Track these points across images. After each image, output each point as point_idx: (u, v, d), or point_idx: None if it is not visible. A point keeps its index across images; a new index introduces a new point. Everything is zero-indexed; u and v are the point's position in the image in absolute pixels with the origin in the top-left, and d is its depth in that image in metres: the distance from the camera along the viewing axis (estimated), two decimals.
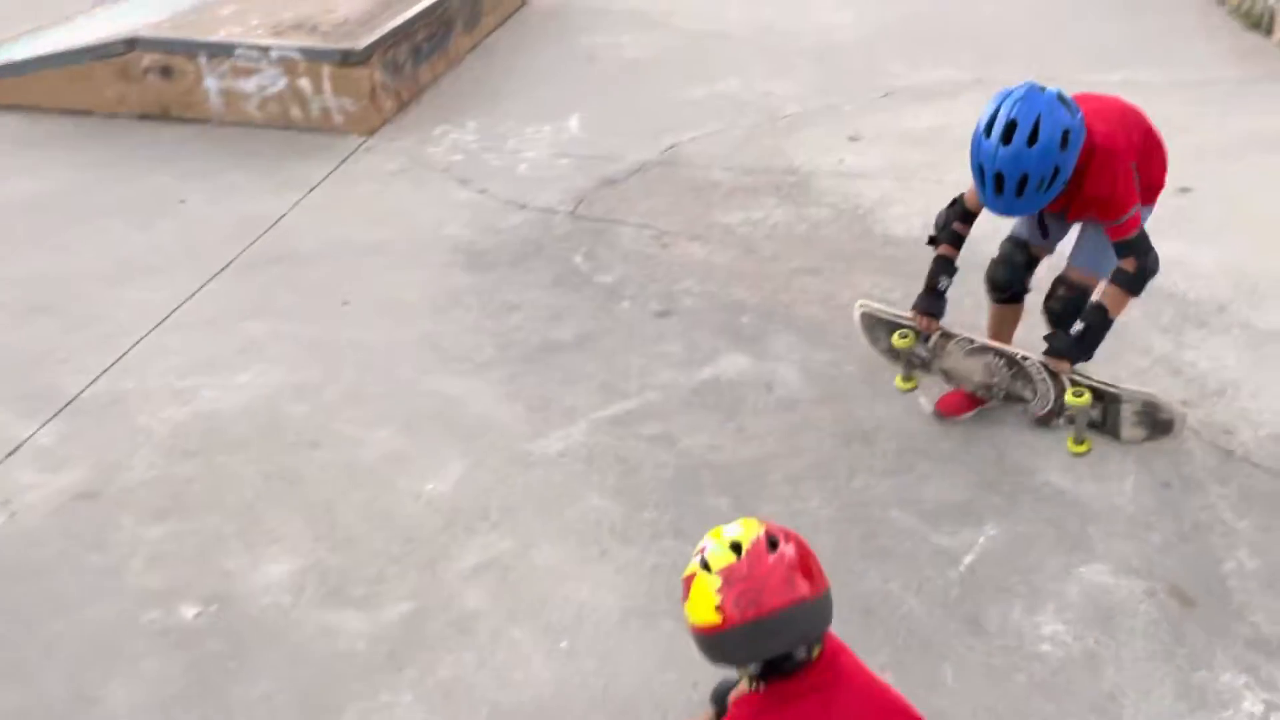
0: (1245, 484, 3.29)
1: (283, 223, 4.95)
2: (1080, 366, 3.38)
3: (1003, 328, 3.66)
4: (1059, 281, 3.41)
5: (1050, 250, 3.55)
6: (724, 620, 1.73)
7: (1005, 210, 3.11)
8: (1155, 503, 3.21)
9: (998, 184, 3.01)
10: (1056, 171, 3.00)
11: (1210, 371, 3.83)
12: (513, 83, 6.81)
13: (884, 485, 3.29)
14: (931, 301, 3.55)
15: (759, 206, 5.10)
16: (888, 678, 2.53)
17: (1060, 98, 3.07)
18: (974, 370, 3.53)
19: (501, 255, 4.67)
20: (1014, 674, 2.66)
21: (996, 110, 3.05)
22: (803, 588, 1.74)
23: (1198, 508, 3.20)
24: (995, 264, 3.55)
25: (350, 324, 4.14)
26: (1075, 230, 3.44)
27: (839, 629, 2.66)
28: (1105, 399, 3.39)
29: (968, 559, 3.02)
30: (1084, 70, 6.85)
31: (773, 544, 1.77)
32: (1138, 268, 3.21)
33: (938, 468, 3.36)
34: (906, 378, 3.70)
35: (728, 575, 1.74)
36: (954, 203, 3.52)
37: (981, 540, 3.08)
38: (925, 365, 3.65)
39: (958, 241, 3.52)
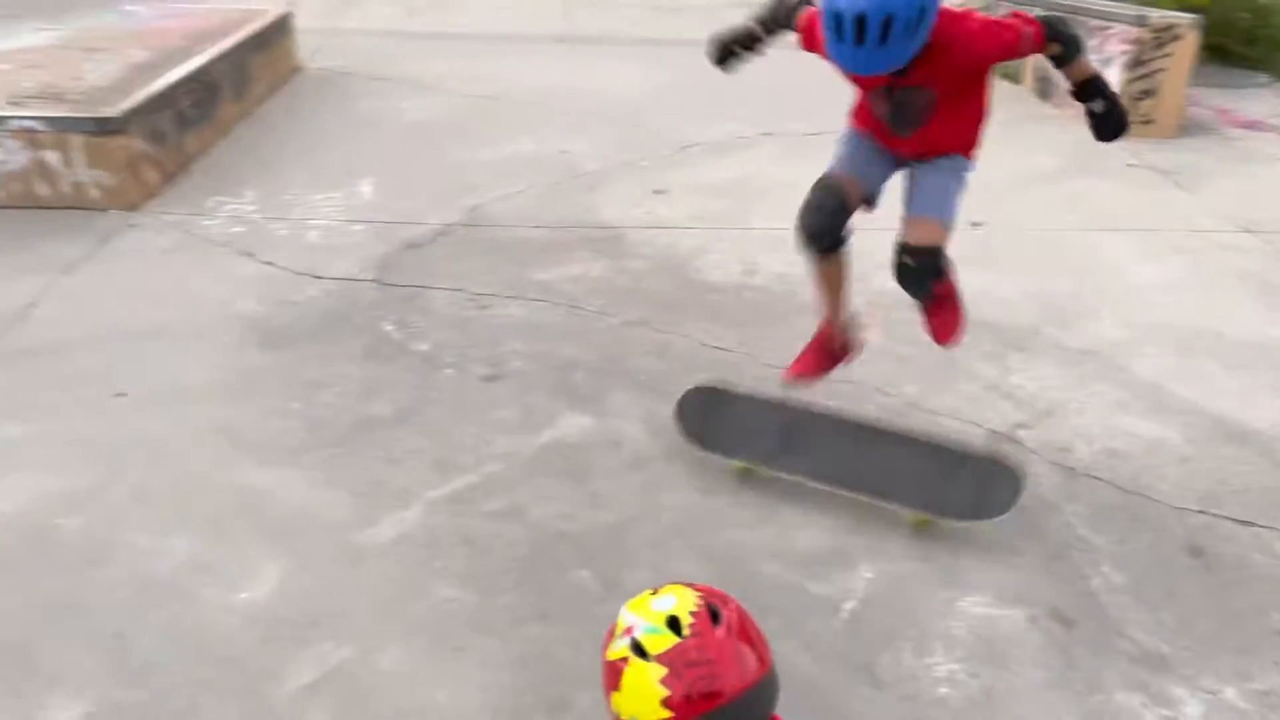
0: (1093, 499, 3.32)
1: (36, 311, 4.30)
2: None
3: (834, 286, 3.27)
4: (901, 248, 3.01)
5: (869, 200, 3.10)
6: (675, 715, 1.46)
7: (866, 65, 2.67)
8: (1015, 526, 3.16)
9: (859, 29, 2.55)
10: (923, 12, 2.60)
11: (1038, 393, 3.90)
12: (292, 150, 6.37)
13: (752, 539, 3.10)
14: (725, 47, 3.32)
15: (575, 262, 4.89)
16: None
17: None
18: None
19: (301, 329, 4.22)
20: None
21: None
22: (755, 663, 1.50)
23: (1056, 528, 3.19)
24: (806, 210, 3.06)
25: (129, 417, 3.59)
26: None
27: None
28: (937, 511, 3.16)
29: (849, 605, 2.86)
30: None
31: (714, 615, 1.52)
32: (1065, 40, 2.81)
33: (801, 515, 3.21)
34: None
35: (672, 661, 1.50)
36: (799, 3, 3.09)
37: (859, 585, 2.94)
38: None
39: (775, 21, 3.18)
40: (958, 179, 3.06)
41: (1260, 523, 3.22)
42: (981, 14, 2.94)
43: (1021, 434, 3.65)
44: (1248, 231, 5.46)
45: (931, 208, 3.02)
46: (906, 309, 3.42)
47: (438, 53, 8.83)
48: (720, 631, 1.53)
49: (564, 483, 3.31)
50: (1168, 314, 4.54)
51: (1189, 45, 6.83)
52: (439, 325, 4.29)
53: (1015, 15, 2.83)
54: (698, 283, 4.72)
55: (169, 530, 3.03)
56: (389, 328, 4.26)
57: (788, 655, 2.59)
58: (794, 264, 4.82)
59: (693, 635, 1.52)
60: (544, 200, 5.66)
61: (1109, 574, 2.99)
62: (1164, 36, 6.79)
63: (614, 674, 1.55)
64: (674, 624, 1.54)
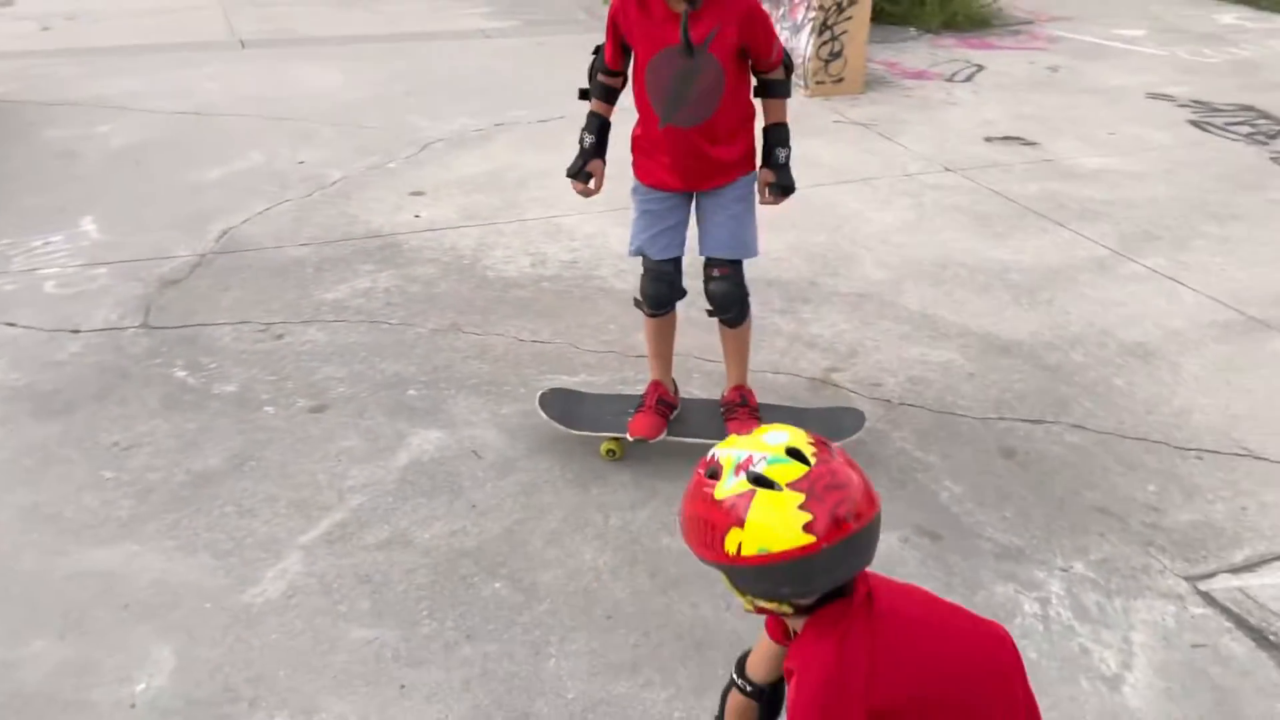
0: (913, 424, 3.71)
1: None
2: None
3: (664, 344, 3.53)
4: (710, 264, 3.32)
5: (680, 250, 3.37)
6: (819, 539, 1.45)
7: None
8: (862, 462, 3.46)
9: None
10: None
11: (836, 338, 4.27)
12: None
13: (641, 517, 3.20)
14: (575, 163, 3.30)
15: (359, 276, 4.72)
16: None
17: None
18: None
19: (79, 392, 3.80)
20: None
21: None
22: (877, 496, 1.56)
23: (893, 454, 3.54)
24: (648, 280, 3.36)
25: None
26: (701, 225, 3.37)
27: (678, 673, 2.56)
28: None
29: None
30: (584, 105, 7.33)
31: (827, 444, 1.54)
32: (789, 73, 3.22)
33: (675, 487, 3.33)
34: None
35: (810, 487, 1.46)
36: (596, 51, 3.29)
37: None
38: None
39: (609, 95, 3.30)
40: (749, 205, 3.30)
41: (1047, 419, 3.74)
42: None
43: (836, 376, 3.99)
44: (948, 170, 6.19)
45: (726, 247, 3.29)
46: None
47: (110, 70, 8.04)
48: (840, 458, 1.52)
49: (439, 500, 3.25)
50: (912, 252, 5.08)
51: (865, 8, 7.58)
52: (237, 362, 4.01)
53: (780, 46, 3.22)
54: (493, 280, 4.71)
55: (21, 637, 2.68)
56: (181, 374, 3.93)
57: (710, 619, 2.78)
58: (577, 250, 4.97)
59: (820, 462, 1.49)
60: (300, 216, 5.38)
61: (950, 486, 3.37)
62: (844, 1, 7.47)
63: (731, 512, 1.48)
64: (796, 454, 1.50)
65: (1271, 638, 2.73)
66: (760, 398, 3.65)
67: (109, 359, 4.02)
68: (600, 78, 3.27)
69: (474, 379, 3.90)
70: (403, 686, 2.57)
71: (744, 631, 2.74)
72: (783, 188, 3.26)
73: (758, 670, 1.91)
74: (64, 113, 6.96)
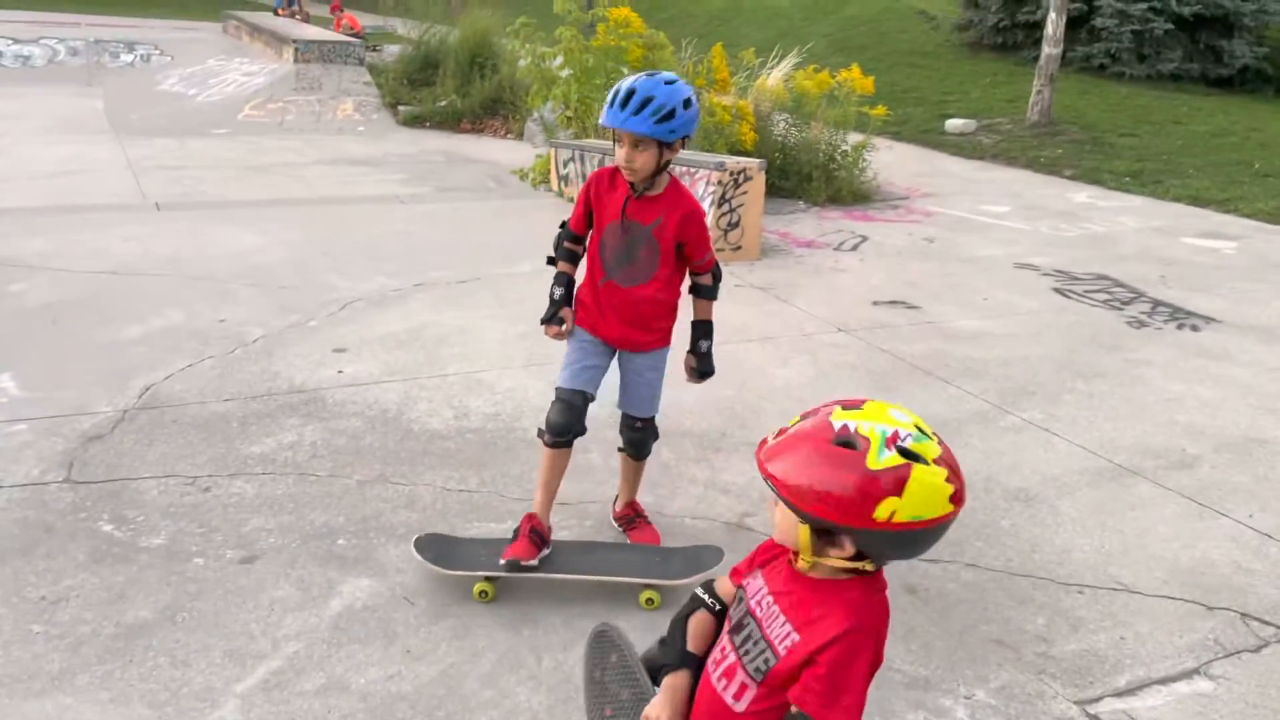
0: None
1: None
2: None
3: (554, 476, 3.76)
4: (630, 419, 3.87)
5: (594, 393, 3.75)
6: (955, 510, 1.69)
7: (622, 122, 3.34)
8: None
9: (626, 97, 3.32)
10: (674, 114, 3.33)
11: (748, 485, 4.54)
12: None
13: (572, 657, 3.32)
14: (550, 310, 3.75)
15: (285, 430, 4.83)
16: None
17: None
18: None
19: (3, 547, 3.79)
20: None
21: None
22: None
23: None
24: (557, 409, 3.67)
25: None
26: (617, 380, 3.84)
27: None
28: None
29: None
30: (499, 265, 7.75)
31: None
32: (716, 280, 3.78)
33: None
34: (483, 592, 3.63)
35: (948, 463, 1.69)
36: (563, 226, 3.80)
37: None
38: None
39: (574, 258, 3.79)
40: (661, 373, 3.87)
41: (944, 559, 4.03)
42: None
43: (750, 521, 4.24)
44: (841, 330, 6.68)
45: (646, 408, 3.88)
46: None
47: (19, 230, 8.10)
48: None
49: (373, 646, 3.33)
50: (804, 405, 5.39)
51: (759, 183, 8.23)
52: (164, 515, 4.06)
53: (713, 254, 3.79)
54: (418, 433, 4.88)
55: None
56: (107, 527, 3.96)
57: None
58: (499, 402, 5.20)
59: (941, 441, 1.71)
60: (223, 372, 5.49)
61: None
62: (740, 177, 8.11)
63: (889, 481, 1.64)
64: (923, 434, 1.70)
65: None
66: (676, 541, 3.91)
67: (33, 514, 4.02)
68: (566, 244, 3.78)
69: (403, 528, 4.02)
70: None
71: None
72: (702, 373, 3.85)
73: (727, 594, 2.10)
74: None
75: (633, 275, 3.66)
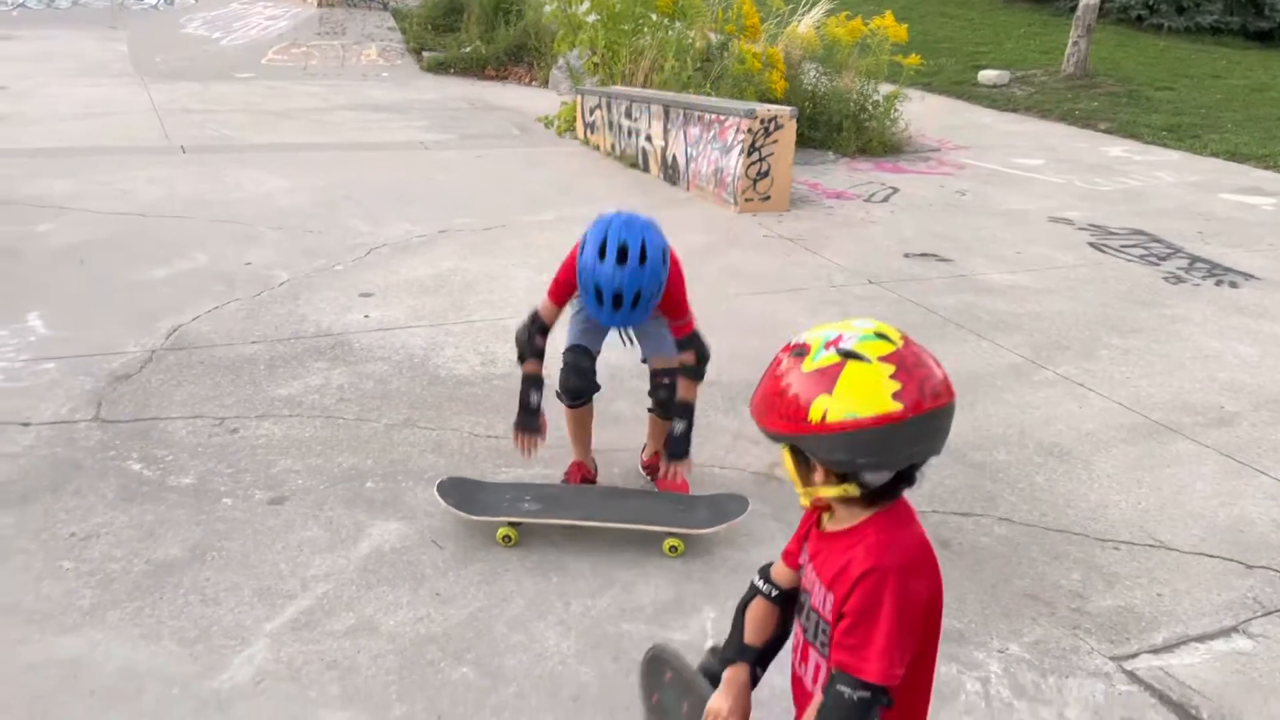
0: None
1: None
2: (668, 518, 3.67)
3: (584, 431, 3.93)
4: (657, 374, 3.82)
5: (599, 350, 3.82)
6: (906, 409, 1.53)
7: (622, 322, 3.44)
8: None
9: (616, 301, 3.32)
10: (660, 285, 3.40)
11: None
12: None
13: (601, 604, 3.31)
14: (528, 419, 3.70)
15: (312, 374, 4.81)
16: None
17: (650, 222, 3.46)
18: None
19: (32, 483, 3.80)
20: None
21: (605, 237, 3.32)
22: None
23: None
24: (567, 373, 3.76)
25: None
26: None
27: None
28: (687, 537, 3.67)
29: (709, 644, 3.15)
30: (525, 213, 7.67)
31: (910, 340, 1.65)
32: (699, 358, 3.69)
33: (633, 573, 3.47)
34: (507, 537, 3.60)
35: (900, 362, 1.55)
36: (533, 319, 3.65)
37: (709, 625, 3.25)
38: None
39: (541, 355, 3.69)
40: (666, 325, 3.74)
41: (976, 512, 3.98)
42: (683, 285, 3.62)
43: (779, 471, 4.19)
44: (871, 283, 6.58)
45: (669, 348, 3.76)
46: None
47: (47, 171, 8.09)
48: (925, 351, 1.62)
49: (402, 589, 3.32)
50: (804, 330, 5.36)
51: (790, 132, 8.08)
52: (193, 455, 4.05)
53: (691, 320, 3.65)
54: (445, 379, 4.84)
55: None
56: (136, 466, 3.95)
57: None
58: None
59: (906, 344, 1.58)
60: (250, 315, 5.47)
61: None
62: (771, 125, 7.97)
63: (821, 379, 1.55)
64: (884, 337, 1.58)
65: (1191, 711, 2.95)
66: (706, 490, 3.86)
67: (62, 451, 4.02)
68: (536, 339, 3.64)
69: (431, 472, 4.00)
70: None
71: None
72: (672, 454, 3.76)
73: (783, 578, 1.99)
74: (1, 212, 6.96)
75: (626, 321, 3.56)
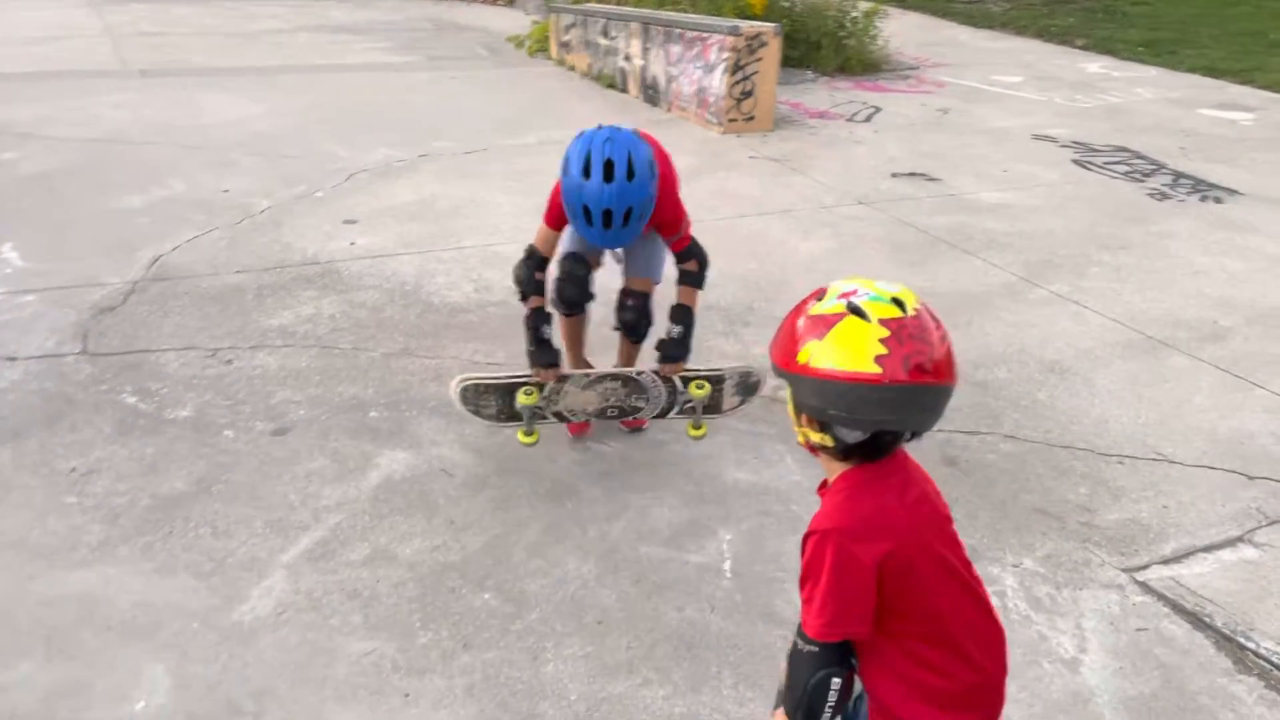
0: None
1: None
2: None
3: (577, 338, 3.83)
4: (625, 294, 3.64)
5: (600, 261, 3.74)
6: (884, 375, 1.53)
7: (613, 241, 3.29)
8: (820, 472, 3.65)
9: (606, 219, 3.15)
10: (651, 199, 3.24)
11: None
12: None
13: (617, 529, 3.30)
14: (545, 353, 3.54)
15: (302, 303, 4.71)
16: (744, 694, 2.61)
17: (635, 133, 3.29)
18: (590, 400, 3.63)
19: (25, 419, 3.70)
20: None
21: (588, 153, 3.14)
22: (955, 370, 1.60)
23: (805, 458, 3.71)
24: (562, 283, 3.62)
25: None
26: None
27: (673, 672, 2.66)
28: (713, 381, 3.73)
29: (726, 566, 3.18)
30: (505, 136, 7.50)
31: (935, 319, 1.62)
32: (700, 265, 3.55)
33: (647, 497, 3.46)
34: (528, 432, 3.64)
35: (897, 329, 1.54)
36: (529, 255, 3.52)
37: (725, 547, 3.25)
38: (542, 414, 3.63)
39: (542, 289, 3.54)
40: (662, 245, 3.60)
41: (982, 430, 3.99)
42: (678, 197, 3.52)
43: (783, 394, 4.16)
44: (861, 203, 6.52)
45: (642, 270, 3.65)
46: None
47: (6, 96, 7.78)
48: (939, 332, 1.60)
49: (416, 518, 3.29)
50: (829, 279, 5.29)
51: (774, 50, 7.93)
52: (187, 388, 3.97)
53: (689, 232, 3.50)
54: (439, 306, 4.76)
55: (5, 661, 2.61)
56: (131, 399, 3.87)
57: (697, 619, 2.89)
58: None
59: (915, 316, 1.56)
60: (232, 243, 5.33)
61: None
62: (755, 43, 7.81)
63: (819, 325, 1.57)
64: (899, 304, 1.57)
65: (1205, 619, 3.00)
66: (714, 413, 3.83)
67: (52, 386, 3.92)
68: (536, 275, 3.50)
69: (434, 401, 3.94)
70: (407, 695, 2.61)
71: (732, 632, 2.87)
72: (666, 357, 3.57)
73: None
74: None
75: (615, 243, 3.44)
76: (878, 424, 1.61)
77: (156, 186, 6.08)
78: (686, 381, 3.67)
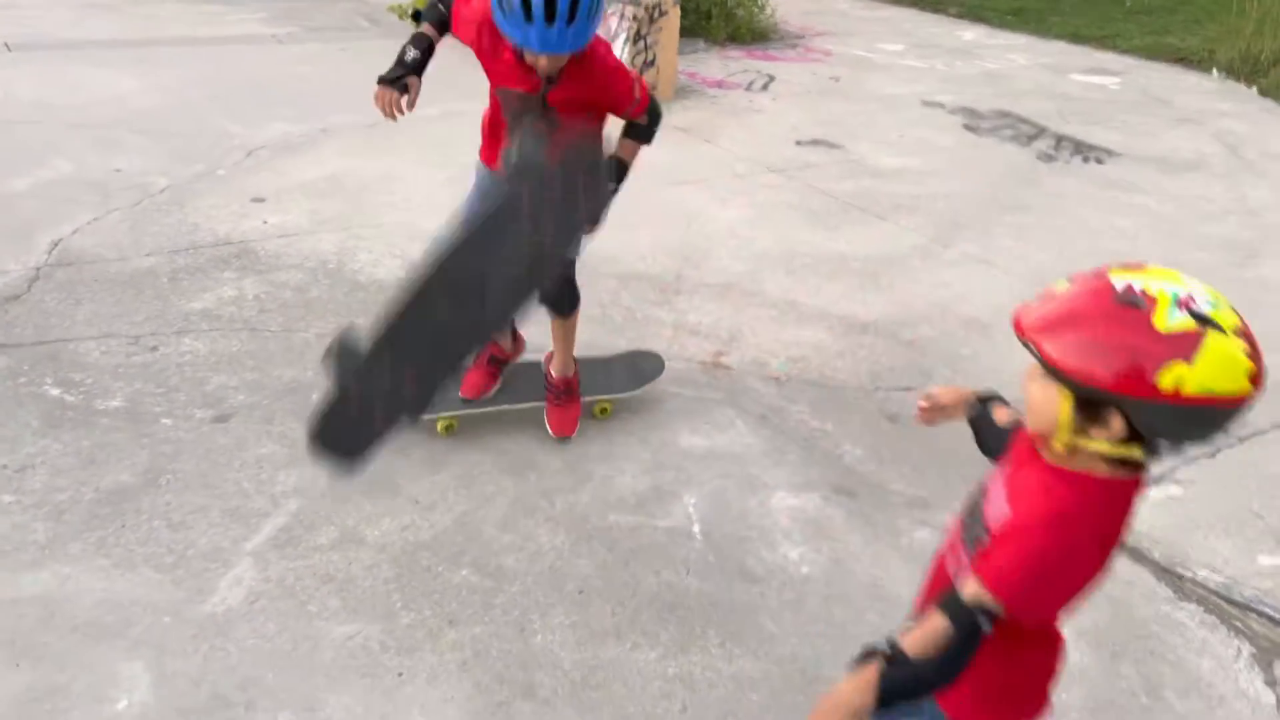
0: (804, 397, 4.02)
1: None
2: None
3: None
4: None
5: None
6: (1254, 389, 1.44)
7: (555, 45, 2.78)
8: (770, 434, 3.76)
9: (549, 10, 2.68)
10: (598, 2, 2.80)
11: (715, 325, 4.53)
12: None
13: (584, 499, 3.33)
14: (395, 73, 3.06)
15: (223, 284, 4.54)
16: (731, 651, 2.69)
17: None
18: None
19: None
20: (807, 599, 2.97)
21: None
22: None
23: (795, 425, 3.84)
24: None
25: None
26: None
27: (660, 634, 2.71)
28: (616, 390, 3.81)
29: (696, 529, 3.24)
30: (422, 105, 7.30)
31: None
32: (652, 119, 3.16)
33: (607, 466, 3.49)
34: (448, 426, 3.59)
35: (1248, 337, 1.45)
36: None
37: (692, 510, 3.32)
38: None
39: (443, 28, 3.14)
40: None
41: (916, 386, 4.15)
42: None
43: (725, 359, 4.25)
44: (772, 171, 6.64)
45: None
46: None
47: None
48: None
49: (379, 498, 3.24)
50: (760, 245, 5.44)
51: (674, 19, 7.95)
52: (114, 377, 3.79)
53: (645, 93, 3.12)
54: (366, 284, 4.66)
55: None
56: (54, 391, 3.68)
57: (675, 582, 2.96)
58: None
59: (1239, 315, 1.47)
60: (135, 225, 5.08)
61: (850, 450, 3.71)
62: (655, 12, 7.82)
63: (1178, 345, 1.42)
64: (1224, 305, 1.47)
65: (1144, 553, 3.22)
66: (658, 383, 3.86)
67: None
68: (441, 7, 3.13)
69: None
70: (400, 674, 2.59)
71: (710, 591, 2.94)
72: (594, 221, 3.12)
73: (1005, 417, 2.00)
74: None
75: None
76: (1208, 437, 1.53)
77: (41, 168, 5.73)
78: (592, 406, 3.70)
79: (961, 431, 3.74)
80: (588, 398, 3.67)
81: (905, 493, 3.48)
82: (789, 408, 3.93)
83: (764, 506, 3.36)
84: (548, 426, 3.59)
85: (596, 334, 4.27)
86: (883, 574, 3.07)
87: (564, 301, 3.51)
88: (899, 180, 6.59)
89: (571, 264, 3.42)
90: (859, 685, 1.59)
